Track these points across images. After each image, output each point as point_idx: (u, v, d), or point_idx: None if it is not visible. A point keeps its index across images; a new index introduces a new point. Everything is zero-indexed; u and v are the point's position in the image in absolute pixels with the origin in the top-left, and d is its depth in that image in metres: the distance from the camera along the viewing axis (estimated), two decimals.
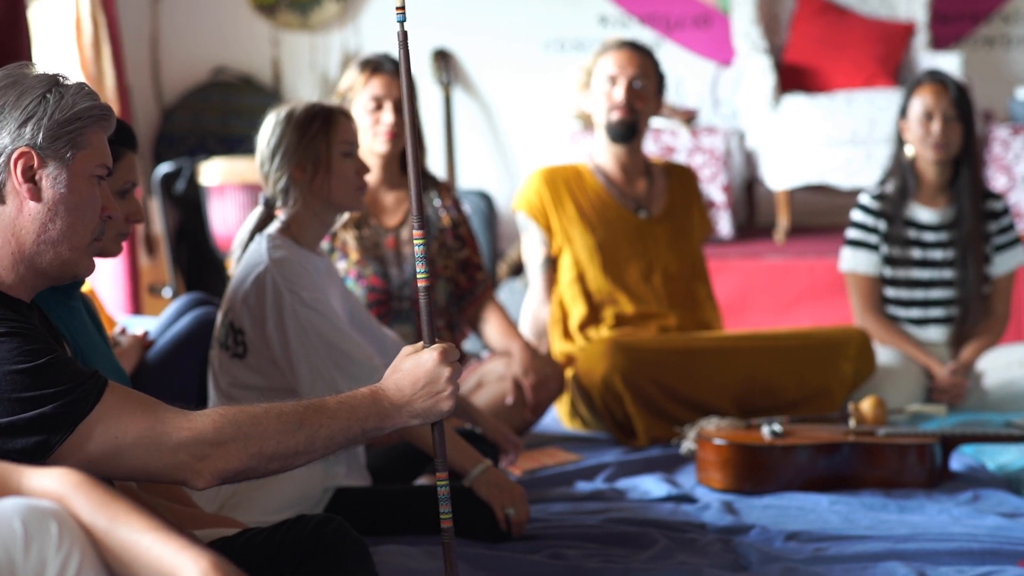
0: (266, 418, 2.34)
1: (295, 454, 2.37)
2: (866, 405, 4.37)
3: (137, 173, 3.09)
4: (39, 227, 2.34)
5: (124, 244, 3.14)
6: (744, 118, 7.23)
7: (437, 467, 2.71)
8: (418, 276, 2.65)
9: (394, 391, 2.48)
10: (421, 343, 2.58)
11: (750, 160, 7.26)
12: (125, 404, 2.27)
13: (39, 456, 2.22)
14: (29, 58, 4.32)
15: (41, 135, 2.31)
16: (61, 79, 2.39)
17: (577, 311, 5.11)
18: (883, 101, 6.75)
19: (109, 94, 6.15)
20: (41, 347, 2.24)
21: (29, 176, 2.32)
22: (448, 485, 2.71)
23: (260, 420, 2.33)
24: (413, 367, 2.50)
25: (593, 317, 5.12)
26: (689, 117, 7.19)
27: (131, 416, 2.27)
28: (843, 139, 6.85)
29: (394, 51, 4.84)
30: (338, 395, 2.44)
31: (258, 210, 3.80)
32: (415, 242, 2.65)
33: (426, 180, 4.78)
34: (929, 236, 5.20)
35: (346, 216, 4.48)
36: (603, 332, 5.07)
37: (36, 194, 2.33)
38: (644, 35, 7.59)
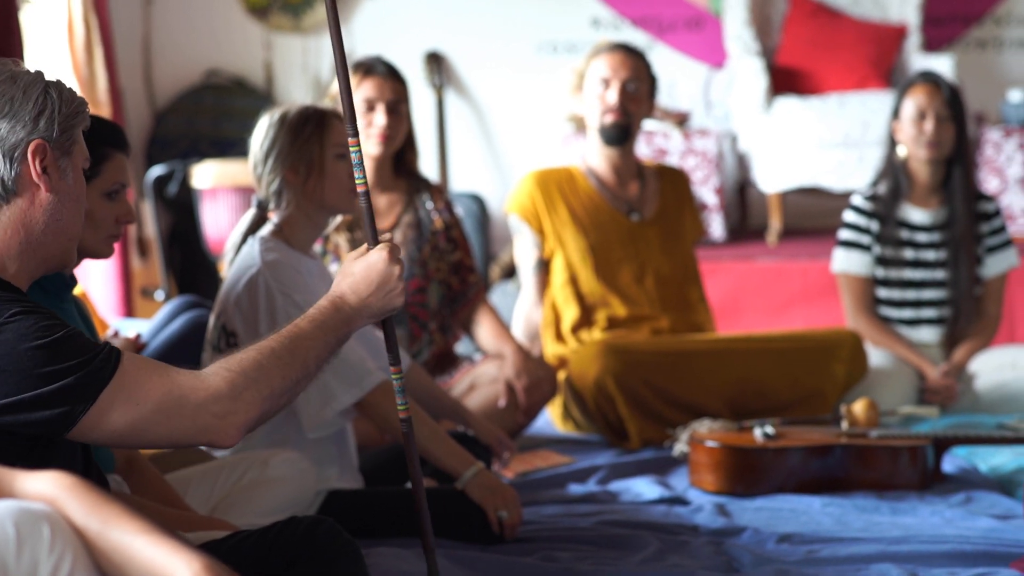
0: (264, 359, 2.41)
1: (297, 382, 2.46)
2: (858, 407, 4.37)
3: (127, 174, 3.09)
4: (49, 217, 2.40)
5: (116, 247, 3.14)
6: (736, 120, 7.23)
7: (390, 361, 2.82)
8: (356, 182, 2.75)
9: (352, 296, 2.59)
10: (365, 246, 2.67)
11: (742, 162, 7.26)
12: (141, 371, 2.32)
13: (62, 427, 2.26)
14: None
15: (55, 128, 2.38)
16: (46, 75, 2.45)
17: (569, 314, 5.11)
18: (875, 103, 6.76)
19: (101, 97, 6.14)
20: (56, 323, 2.29)
21: (43, 167, 2.38)
22: (402, 378, 2.83)
23: (261, 363, 2.40)
24: (366, 269, 2.61)
25: (585, 320, 5.12)
26: (681, 120, 7.19)
27: (148, 382, 2.32)
28: (835, 141, 6.86)
29: (387, 54, 4.88)
30: (305, 316, 2.52)
31: (251, 212, 3.80)
32: (350, 149, 2.75)
33: (418, 183, 4.79)
34: (921, 237, 5.20)
35: (339, 219, 4.49)
36: (595, 334, 5.07)
37: (49, 185, 2.39)
38: (636, 38, 7.59)
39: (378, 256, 2.62)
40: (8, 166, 2.36)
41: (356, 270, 2.62)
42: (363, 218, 2.77)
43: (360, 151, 2.76)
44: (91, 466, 2.46)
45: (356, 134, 2.76)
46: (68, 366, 2.25)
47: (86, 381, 2.26)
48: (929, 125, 5.11)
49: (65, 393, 2.25)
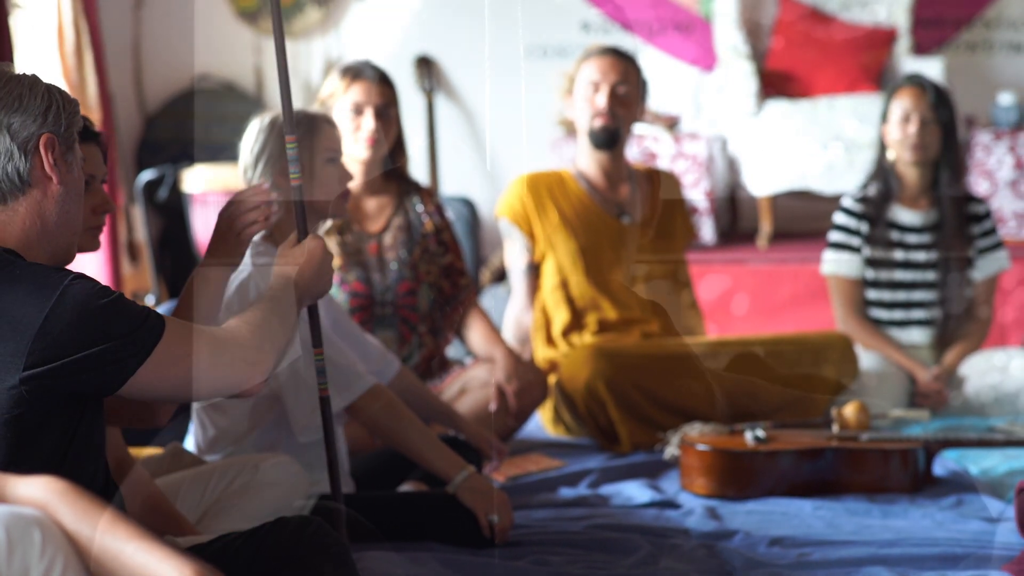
0: (268, 315, 2.62)
1: (289, 339, 2.68)
2: (849, 410, 4.37)
3: (98, 165, 3.05)
4: (60, 209, 2.48)
5: (107, 250, 3.13)
6: (726, 124, 7.23)
7: (313, 343, 3.06)
8: (291, 176, 3.00)
9: (299, 279, 2.82)
10: (294, 236, 2.94)
11: (732, 166, 7.26)
12: (185, 328, 2.46)
13: (117, 380, 2.37)
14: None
15: (62, 123, 2.46)
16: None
17: (560, 317, 5.11)
18: (865, 106, 6.76)
19: (91, 101, 6.14)
20: (106, 286, 2.40)
21: (54, 160, 2.45)
22: (323, 359, 3.08)
23: (268, 319, 2.61)
24: (308, 257, 2.86)
25: (576, 323, 5.12)
26: (671, 123, 7.19)
27: (192, 336, 2.45)
28: (825, 144, 6.86)
29: (377, 58, 4.88)
30: (273, 288, 2.75)
31: None
32: (287, 146, 2.97)
33: (408, 186, 4.79)
34: (911, 238, 5.21)
35: (329, 223, 4.48)
36: (586, 338, 5.07)
37: (60, 177, 2.46)
38: (626, 41, 7.59)
39: (316, 244, 2.88)
40: (23, 158, 2.42)
41: (298, 256, 2.86)
42: (295, 211, 2.98)
43: (296, 148, 2.99)
44: (103, 447, 2.50)
45: (293, 131, 2.99)
46: (128, 323, 2.36)
47: (143, 336, 2.38)
48: (913, 127, 5.12)
49: (127, 349, 2.36)
